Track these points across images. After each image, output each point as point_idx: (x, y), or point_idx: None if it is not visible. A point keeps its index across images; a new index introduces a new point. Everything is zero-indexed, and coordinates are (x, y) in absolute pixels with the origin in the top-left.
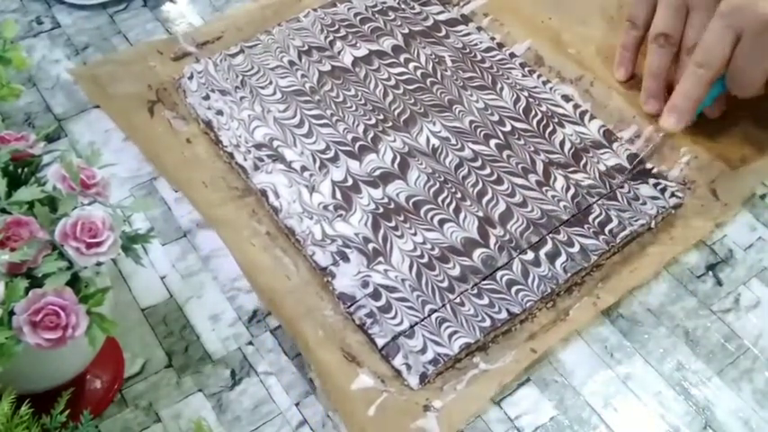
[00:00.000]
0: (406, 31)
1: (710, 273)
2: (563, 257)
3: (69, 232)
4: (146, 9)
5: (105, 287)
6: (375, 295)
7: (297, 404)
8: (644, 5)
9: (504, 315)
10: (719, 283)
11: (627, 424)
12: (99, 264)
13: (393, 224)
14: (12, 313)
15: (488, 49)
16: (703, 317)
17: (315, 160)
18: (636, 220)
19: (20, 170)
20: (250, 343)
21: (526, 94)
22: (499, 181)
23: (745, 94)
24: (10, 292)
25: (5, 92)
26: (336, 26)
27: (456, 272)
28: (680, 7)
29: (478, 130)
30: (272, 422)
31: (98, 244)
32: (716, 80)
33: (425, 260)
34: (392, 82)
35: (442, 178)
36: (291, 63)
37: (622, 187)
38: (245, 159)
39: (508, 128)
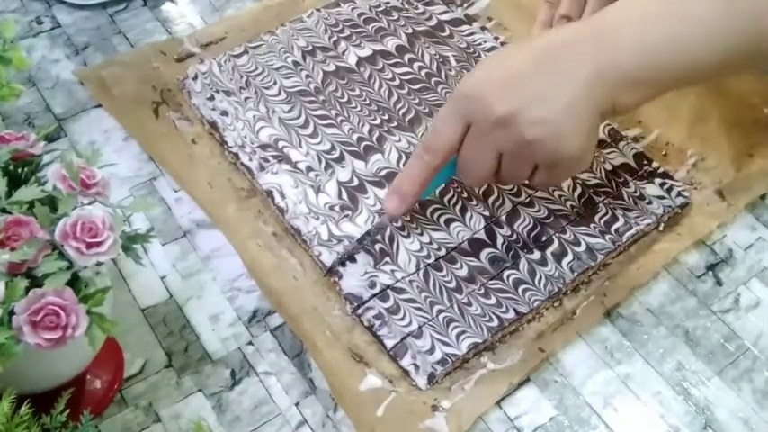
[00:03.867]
0: (410, 31)
1: (710, 273)
2: (570, 257)
3: (69, 232)
4: (146, 9)
5: (105, 287)
6: (383, 296)
7: (297, 404)
8: None
9: (511, 314)
10: (719, 283)
11: (627, 424)
12: (99, 264)
13: (399, 224)
14: (12, 313)
15: (492, 49)
16: (703, 317)
17: (320, 161)
18: (642, 220)
19: (20, 170)
20: (250, 343)
21: None
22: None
23: (470, 184)
24: (10, 291)
25: (5, 92)
26: (340, 26)
27: (463, 272)
28: None
29: None
30: (271, 422)
31: (98, 244)
32: (445, 165)
33: (432, 260)
34: (396, 82)
35: None
36: (296, 63)
37: (628, 186)
38: (251, 160)
39: None
